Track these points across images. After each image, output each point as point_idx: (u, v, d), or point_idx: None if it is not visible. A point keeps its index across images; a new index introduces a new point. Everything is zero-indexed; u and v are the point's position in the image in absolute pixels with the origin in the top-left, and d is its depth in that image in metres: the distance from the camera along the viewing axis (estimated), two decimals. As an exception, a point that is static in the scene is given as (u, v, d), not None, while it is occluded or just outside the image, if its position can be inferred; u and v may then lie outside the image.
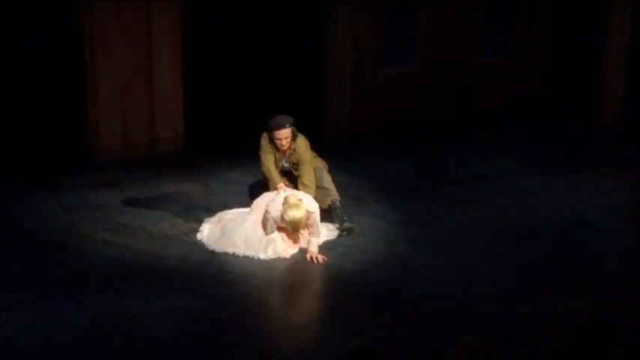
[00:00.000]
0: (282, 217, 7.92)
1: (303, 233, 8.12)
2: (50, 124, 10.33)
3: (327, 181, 8.64)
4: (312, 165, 8.53)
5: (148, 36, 10.65)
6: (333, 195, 8.61)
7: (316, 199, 8.52)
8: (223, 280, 7.53)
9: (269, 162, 8.47)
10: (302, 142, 8.45)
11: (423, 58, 12.70)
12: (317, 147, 8.87)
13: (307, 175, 8.43)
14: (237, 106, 11.22)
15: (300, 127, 8.61)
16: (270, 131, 8.37)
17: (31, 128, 10.26)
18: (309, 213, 7.95)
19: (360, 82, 12.23)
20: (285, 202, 7.89)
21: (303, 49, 11.69)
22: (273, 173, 8.46)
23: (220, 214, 8.68)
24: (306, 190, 8.37)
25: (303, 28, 11.67)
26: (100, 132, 10.66)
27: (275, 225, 8.01)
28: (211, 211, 8.88)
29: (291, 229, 7.93)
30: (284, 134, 8.32)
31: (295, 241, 8.11)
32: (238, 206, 8.87)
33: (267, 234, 8.04)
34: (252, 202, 8.49)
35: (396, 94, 12.51)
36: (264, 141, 8.48)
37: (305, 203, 7.96)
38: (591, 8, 13.01)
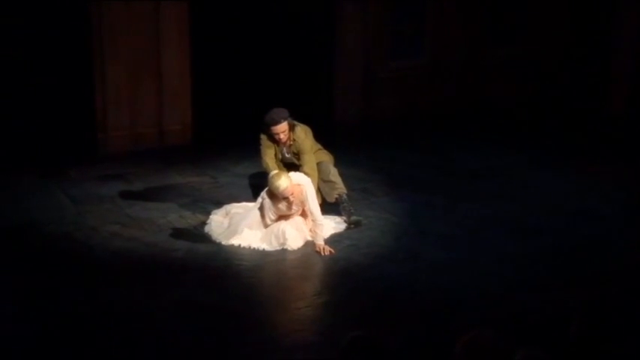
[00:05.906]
0: (271, 193, 7.91)
1: (307, 222, 8.12)
2: (59, 117, 10.37)
3: (334, 174, 8.62)
4: (312, 153, 8.50)
5: (155, 29, 10.66)
6: (340, 188, 8.59)
7: (323, 192, 8.53)
8: (231, 273, 7.55)
9: (267, 157, 8.45)
10: (300, 132, 8.42)
11: (430, 50, 12.69)
12: (326, 140, 8.88)
13: (308, 163, 8.42)
14: (245, 100, 11.23)
15: (308, 121, 8.60)
16: (267, 127, 8.39)
17: (40, 121, 10.30)
18: (298, 186, 7.93)
19: (368, 75, 12.22)
20: (271, 176, 7.90)
21: (311, 43, 11.69)
22: (271, 169, 8.47)
23: (227, 207, 8.69)
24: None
25: (311, 22, 11.67)
26: (108, 124, 10.69)
27: (272, 209, 7.99)
28: (219, 204, 8.89)
29: (280, 196, 7.85)
30: (280, 129, 8.30)
31: (301, 232, 8.11)
32: (246, 199, 8.89)
33: (266, 223, 8.04)
34: (259, 195, 8.50)
35: (404, 87, 12.50)
36: (263, 136, 8.47)
37: (293, 177, 7.95)
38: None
